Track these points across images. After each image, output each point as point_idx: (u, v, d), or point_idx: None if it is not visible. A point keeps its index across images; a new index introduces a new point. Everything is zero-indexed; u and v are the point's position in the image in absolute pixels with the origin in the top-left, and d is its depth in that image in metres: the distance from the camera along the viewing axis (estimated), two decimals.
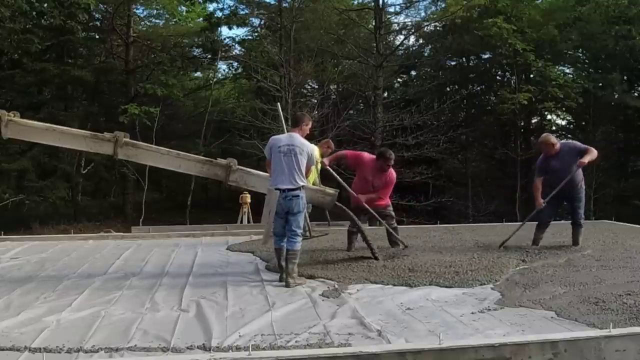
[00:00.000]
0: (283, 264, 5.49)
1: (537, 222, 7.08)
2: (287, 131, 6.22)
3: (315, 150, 5.76)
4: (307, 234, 7.57)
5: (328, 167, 6.89)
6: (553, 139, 6.94)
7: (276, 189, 5.41)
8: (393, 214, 7.06)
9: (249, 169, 6.01)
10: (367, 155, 7.16)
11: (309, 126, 5.83)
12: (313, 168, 7.57)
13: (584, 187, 6.98)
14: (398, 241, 6.93)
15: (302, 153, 5.46)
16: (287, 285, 5.28)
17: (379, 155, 6.87)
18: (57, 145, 6.03)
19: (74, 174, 21.16)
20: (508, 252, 6.58)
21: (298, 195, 5.42)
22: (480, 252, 6.60)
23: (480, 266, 5.84)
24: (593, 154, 6.63)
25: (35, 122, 5.70)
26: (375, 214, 6.72)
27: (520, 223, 7.52)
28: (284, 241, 5.51)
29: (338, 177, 6.93)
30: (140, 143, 5.94)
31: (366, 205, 6.64)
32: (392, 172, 6.87)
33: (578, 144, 7.07)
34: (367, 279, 5.51)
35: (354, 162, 7.11)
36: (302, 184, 5.45)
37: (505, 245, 6.95)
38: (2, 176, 19.11)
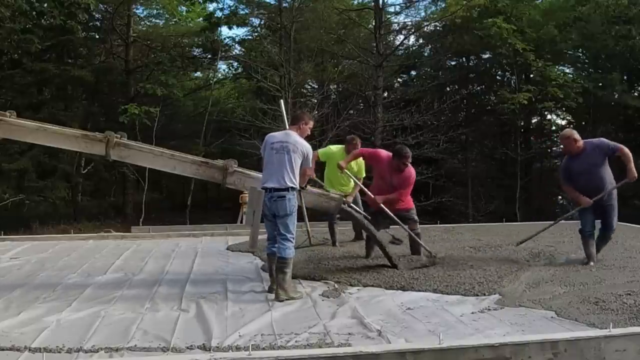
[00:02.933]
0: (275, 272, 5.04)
1: (581, 236, 6.14)
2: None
3: (310, 150, 5.25)
4: (307, 241, 7.18)
5: (345, 170, 6.41)
6: (575, 134, 5.99)
7: (262, 187, 5.04)
8: (416, 217, 6.48)
9: (247, 171, 5.70)
10: (384, 152, 6.62)
11: (309, 126, 5.36)
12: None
13: (615, 191, 6.05)
14: (421, 249, 6.35)
15: (296, 151, 5.02)
16: (277, 298, 4.79)
17: (394, 154, 6.32)
18: (50, 145, 5.79)
19: (74, 174, 21.14)
20: (513, 253, 6.57)
21: (284, 197, 4.95)
22: (489, 256, 6.50)
23: (503, 273, 5.49)
24: (629, 155, 5.76)
25: (27, 122, 5.49)
26: (396, 218, 6.17)
27: (551, 222, 6.71)
28: (275, 247, 5.06)
29: (355, 179, 6.71)
30: (133, 143, 5.64)
31: (384, 208, 6.13)
32: (411, 170, 6.37)
33: (605, 141, 6.00)
34: (360, 282, 5.38)
35: (370, 160, 6.62)
36: (291, 185, 4.99)
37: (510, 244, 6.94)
38: (2, 176, 19.09)
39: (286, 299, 4.79)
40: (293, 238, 5.06)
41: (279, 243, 4.99)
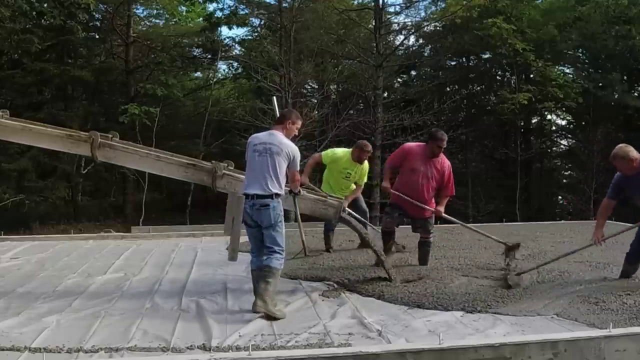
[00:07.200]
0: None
1: (627, 252, 5.49)
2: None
3: (298, 152, 4.71)
4: (303, 252, 6.68)
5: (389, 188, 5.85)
6: (632, 152, 5.03)
7: (244, 193, 4.55)
8: (430, 228, 5.98)
9: (238, 175, 5.20)
10: (410, 144, 6.12)
11: (297, 125, 4.75)
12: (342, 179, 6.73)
13: None
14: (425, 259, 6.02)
15: (280, 154, 4.47)
16: (254, 308, 4.29)
17: (429, 137, 5.79)
18: (35, 145, 5.55)
19: (74, 174, 21.13)
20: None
21: (268, 205, 4.41)
22: (488, 255, 6.47)
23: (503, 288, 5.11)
24: None
25: (12, 121, 5.20)
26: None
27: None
28: (261, 260, 4.54)
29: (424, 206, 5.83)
30: (118, 144, 5.25)
31: (445, 216, 5.84)
32: (445, 159, 5.88)
33: None
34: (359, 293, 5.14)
35: (401, 160, 5.93)
36: (276, 191, 4.45)
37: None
38: (2, 176, 19.08)
39: (263, 312, 4.25)
40: (282, 250, 4.56)
41: (266, 255, 4.52)
